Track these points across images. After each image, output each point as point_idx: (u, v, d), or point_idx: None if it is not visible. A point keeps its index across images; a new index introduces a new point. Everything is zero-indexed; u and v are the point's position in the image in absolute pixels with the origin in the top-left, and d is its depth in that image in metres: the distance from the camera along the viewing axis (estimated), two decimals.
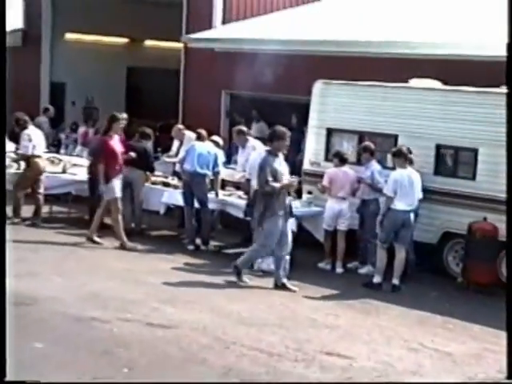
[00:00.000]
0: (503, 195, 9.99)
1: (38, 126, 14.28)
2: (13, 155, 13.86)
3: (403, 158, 10.66)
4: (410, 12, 16.45)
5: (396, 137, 11.73)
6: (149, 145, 13.48)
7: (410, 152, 10.88)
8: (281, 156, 10.28)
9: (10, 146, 14.32)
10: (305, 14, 18.06)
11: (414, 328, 8.92)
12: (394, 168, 11.00)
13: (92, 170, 12.90)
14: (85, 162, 14.13)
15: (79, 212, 14.21)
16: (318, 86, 12.69)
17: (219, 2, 17.83)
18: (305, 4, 19.08)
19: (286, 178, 10.27)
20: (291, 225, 10.71)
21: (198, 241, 12.32)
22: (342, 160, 11.66)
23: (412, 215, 10.64)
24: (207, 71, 17.38)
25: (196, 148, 12.44)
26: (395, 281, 10.58)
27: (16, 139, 13.77)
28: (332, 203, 11.57)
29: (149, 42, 23.64)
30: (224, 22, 17.94)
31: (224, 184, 13.13)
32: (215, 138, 13.28)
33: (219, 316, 8.70)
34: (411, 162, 10.82)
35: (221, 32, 17.63)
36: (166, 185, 13.30)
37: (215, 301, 9.36)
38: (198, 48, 17.62)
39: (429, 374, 7.34)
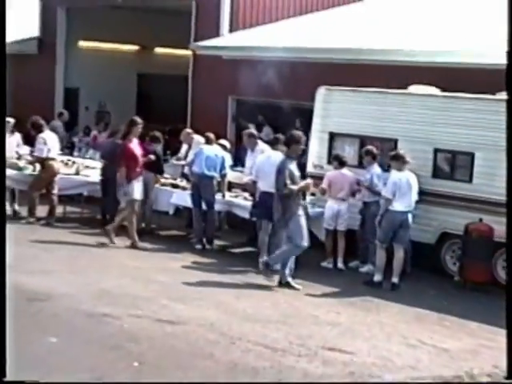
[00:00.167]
0: (499, 197, 10.28)
1: (53, 130, 14.36)
2: (28, 157, 14.05)
3: (401, 161, 10.78)
4: (411, 21, 16.50)
5: (396, 141, 11.82)
6: (159, 148, 13.57)
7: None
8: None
9: (25, 148, 14.59)
10: (309, 23, 18.07)
11: (412, 325, 9.02)
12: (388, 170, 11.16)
13: (105, 171, 13.13)
14: (97, 164, 14.33)
15: (92, 212, 14.34)
16: (322, 92, 12.83)
17: (227, 10, 17.89)
18: (309, 13, 19.06)
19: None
20: None
21: (205, 240, 12.46)
22: (341, 163, 11.84)
23: (410, 216, 10.76)
24: (215, 77, 17.42)
25: (204, 151, 12.55)
26: (395, 279, 10.70)
27: (31, 142, 13.92)
28: (331, 203, 11.75)
29: (158, 50, 23.68)
30: (231, 30, 17.98)
31: (231, 186, 13.24)
32: (223, 141, 13.39)
33: (226, 313, 8.78)
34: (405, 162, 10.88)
35: (228, 40, 17.68)
36: (175, 186, 13.43)
37: (222, 298, 9.43)
38: (206, 55, 17.66)
39: (427, 369, 7.41)
